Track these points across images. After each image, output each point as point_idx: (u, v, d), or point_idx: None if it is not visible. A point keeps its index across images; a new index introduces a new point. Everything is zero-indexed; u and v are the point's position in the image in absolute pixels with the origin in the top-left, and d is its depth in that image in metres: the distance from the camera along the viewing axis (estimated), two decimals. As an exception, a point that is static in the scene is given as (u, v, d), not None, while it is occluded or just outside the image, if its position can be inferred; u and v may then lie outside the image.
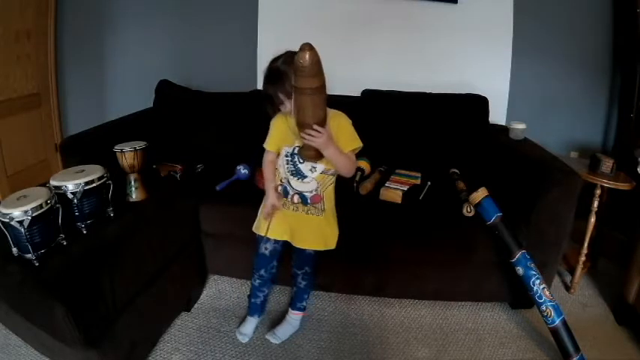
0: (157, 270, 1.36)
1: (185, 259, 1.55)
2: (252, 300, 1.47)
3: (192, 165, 1.82)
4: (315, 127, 1.09)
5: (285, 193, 1.29)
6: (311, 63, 1.00)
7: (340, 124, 1.23)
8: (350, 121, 1.26)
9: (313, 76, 1.02)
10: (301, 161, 1.24)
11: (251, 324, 1.48)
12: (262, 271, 1.41)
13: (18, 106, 2.24)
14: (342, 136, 1.22)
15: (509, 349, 1.46)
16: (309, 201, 1.27)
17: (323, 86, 1.06)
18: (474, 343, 1.49)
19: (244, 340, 1.45)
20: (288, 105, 1.18)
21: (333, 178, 1.28)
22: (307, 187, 1.26)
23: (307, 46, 0.99)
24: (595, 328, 1.56)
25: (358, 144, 1.24)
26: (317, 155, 1.17)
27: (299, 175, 1.26)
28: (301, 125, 1.11)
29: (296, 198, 1.28)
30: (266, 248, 1.37)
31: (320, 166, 1.25)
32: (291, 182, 1.27)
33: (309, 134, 1.10)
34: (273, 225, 1.32)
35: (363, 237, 1.53)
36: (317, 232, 1.32)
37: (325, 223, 1.31)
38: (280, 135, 1.27)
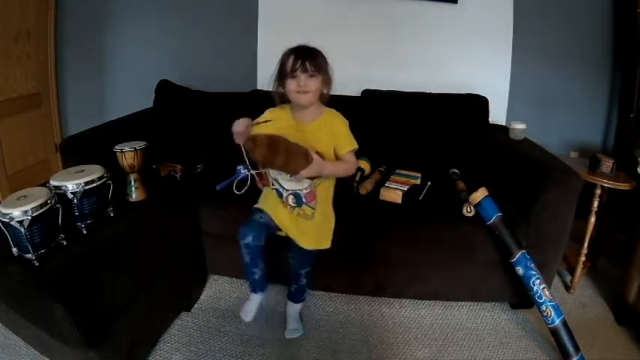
0: (157, 270, 1.36)
1: (185, 259, 1.55)
2: (250, 277, 1.42)
3: (192, 165, 1.82)
4: (301, 172, 1.10)
5: (280, 195, 1.27)
6: (263, 156, 1.02)
7: (335, 125, 1.22)
8: (346, 122, 1.24)
9: (273, 158, 1.04)
10: None
11: (254, 302, 1.44)
12: (249, 239, 1.28)
13: (18, 106, 2.24)
14: (338, 139, 1.21)
15: (509, 350, 1.46)
16: (304, 200, 1.24)
17: (287, 150, 1.06)
18: (473, 343, 1.49)
19: (248, 318, 1.41)
20: (314, 85, 1.15)
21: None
22: (300, 184, 1.23)
23: (251, 143, 1.00)
24: (595, 328, 1.56)
25: (354, 146, 1.22)
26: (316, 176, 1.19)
27: None
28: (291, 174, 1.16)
29: (290, 199, 1.25)
30: (261, 217, 1.31)
31: None
32: (283, 183, 1.24)
33: (300, 176, 1.11)
34: (279, 213, 1.30)
35: (363, 237, 1.53)
36: (310, 233, 1.30)
37: (317, 225, 1.29)
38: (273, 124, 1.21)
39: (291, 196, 1.25)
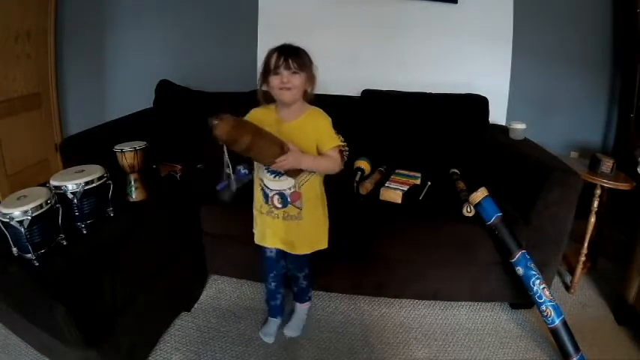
0: (157, 270, 1.36)
1: (185, 259, 1.55)
2: (272, 303, 1.49)
3: (192, 165, 1.82)
4: (277, 160, 1.10)
5: (266, 198, 1.27)
6: (227, 133, 1.01)
7: (317, 123, 1.22)
8: (329, 120, 1.24)
9: (238, 138, 1.03)
10: None
11: (274, 325, 1.50)
12: (274, 273, 1.43)
13: (18, 106, 2.24)
14: (321, 136, 1.22)
15: (509, 350, 1.46)
16: (289, 200, 1.25)
17: (255, 131, 1.06)
18: (474, 343, 1.49)
19: (270, 340, 1.45)
20: (298, 81, 1.16)
21: (311, 174, 1.26)
22: (284, 184, 1.24)
23: (215, 121, 1.00)
24: (595, 328, 1.56)
25: (336, 142, 1.23)
26: (296, 171, 1.18)
27: (275, 172, 1.22)
28: (266, 165, 1.16)
29: (276, 199, 1.26)
30: (271, 251, 1.39)
31: None
32: (268, 183, 1.25)
33: (278, 166, 1.12)
34: (268, 236, 1.33)
35: (363, 237, 1.53)
36: (302, 237, 1.31)
37: (307, 226, 1.29)
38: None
39: (277, 196, 1.26)
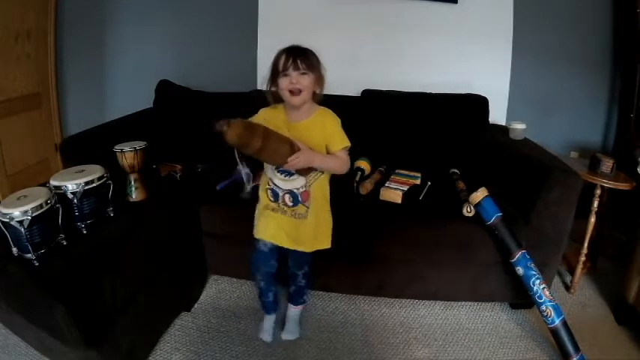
0: (157, 270, 1.36)
1: (185, 259, 1.55)
2: (264, 299, 1.47)
3: (192, 165, 1.82)
4: (289, 160, 1.10)
5: (276, 197, 1.27)
6: (238, 137, 1.01)
7: (326, 124, 1.23)
8: (338, 120, 1.25)
9: (249, 141, 1.04)
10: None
11: (269, 322, 1.49)
12: (262, 269, 1.38)
13: (18, 106, 2.24)
14: (330, 137, 1.22)
15: (509, 349, 1.46)
16: (300, 199, 1.25)
17: (265, 133, 1.07)
18: (474, 343, 1.49)
19: (267, 338, 1.45)
20: (306, 82, 1.16)
21: (320, 173, 1.27)
22: (295, 183, 1.24)
23: (225, 126, 1.00)
24: (595, 328, 1.56)
25: (346, 143, 1.23)
26: (307, 170, 1.19)
27: (286, 172, 1.23)
28: (278, 166, 1.16)
29: (287, 198, 1.25)
30: (265, 245, 1.35)
31: None
32: (278, 182, 1.25)
33: (290, 165, 1.12)
34: (271, 229, 1.31)
35: (363, 237, 1.53)
36: (306, 235, 1.31)
37: (312, 225, 1.29)
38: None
39: (288, 195, 1.26)
